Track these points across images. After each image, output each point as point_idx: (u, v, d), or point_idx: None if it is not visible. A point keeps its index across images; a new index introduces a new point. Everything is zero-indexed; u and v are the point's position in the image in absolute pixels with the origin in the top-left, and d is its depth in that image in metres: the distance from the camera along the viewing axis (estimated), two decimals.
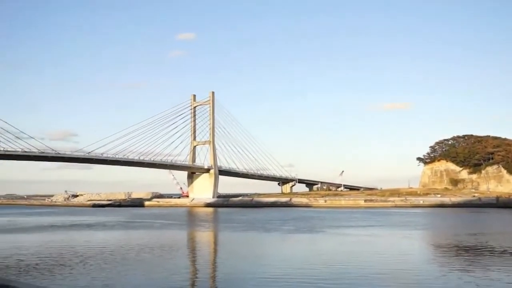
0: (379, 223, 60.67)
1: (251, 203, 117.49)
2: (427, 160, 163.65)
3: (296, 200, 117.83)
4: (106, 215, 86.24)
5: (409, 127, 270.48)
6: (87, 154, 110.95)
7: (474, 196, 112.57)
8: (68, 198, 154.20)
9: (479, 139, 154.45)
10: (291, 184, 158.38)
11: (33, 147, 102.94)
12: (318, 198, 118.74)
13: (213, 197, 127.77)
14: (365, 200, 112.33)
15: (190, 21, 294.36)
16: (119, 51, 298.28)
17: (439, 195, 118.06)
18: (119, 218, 76.66)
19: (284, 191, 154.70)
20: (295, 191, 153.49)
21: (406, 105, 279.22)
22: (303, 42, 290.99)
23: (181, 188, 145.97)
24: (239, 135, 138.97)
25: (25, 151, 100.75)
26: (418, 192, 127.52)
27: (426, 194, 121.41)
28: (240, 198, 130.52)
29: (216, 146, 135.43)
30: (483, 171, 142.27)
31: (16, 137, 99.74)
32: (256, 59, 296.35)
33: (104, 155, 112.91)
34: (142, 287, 22.21)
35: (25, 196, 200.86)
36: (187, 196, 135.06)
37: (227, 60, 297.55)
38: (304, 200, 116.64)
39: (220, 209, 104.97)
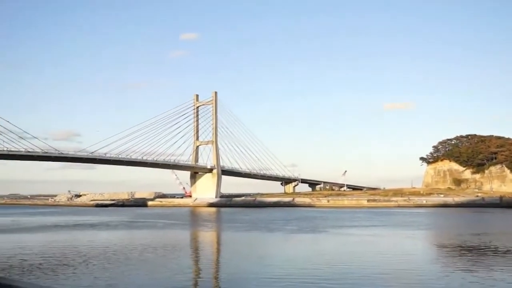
0: (382, 223, 60.61)
1: (254, 203, 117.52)
2: (430, 160, 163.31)
3: (299, 200, 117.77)
4: (109, 215, 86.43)
5: (411, 127, 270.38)
6: (90, 154, 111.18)
7: (477, 196, 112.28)
8: (71, 198, 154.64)
9: (483, 139, 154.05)
10: (293, 184, 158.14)
11: (37, 147, 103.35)
12: (321, 198, 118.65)
13: (216, 197, 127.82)
14: (368, 200, 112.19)
15: (192, 21, 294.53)
16: (122, 51, 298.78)
17: (442, 195, 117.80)
18: (122, 218, 76.83)
19: (287, 191, 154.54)
20: (297, 191, 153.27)
21: (406, 105, 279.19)
22: (304, 42, 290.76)
23: (184, 188, 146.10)
24: (241, 135, 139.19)
25: (29, 151, 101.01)
26: (421, 192, 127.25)
27: (429, 194, 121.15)
28: (243, 198, 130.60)
29: (219, 146, 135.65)
30: (486, 171, 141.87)
31: (20, 137, 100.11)
32: (257, 59, 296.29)
33: (107, 155, 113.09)
34: (145, 287, 22.25)
35: (29, 196, 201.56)
36: (190, 196, 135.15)
37: (229, 60, 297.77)
38: (307, 200, 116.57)
39: (223, 209, 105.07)
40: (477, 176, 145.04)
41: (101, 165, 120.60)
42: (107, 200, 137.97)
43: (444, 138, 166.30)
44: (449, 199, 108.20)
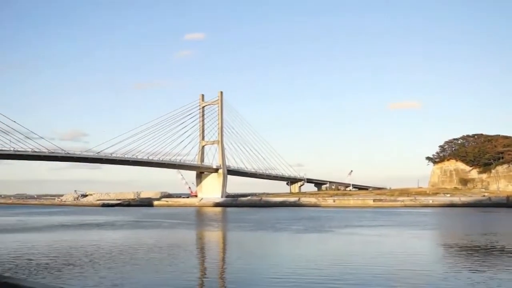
0: (388, 223, 60.41)
1: (259, 203, 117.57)
2: (436, 159, 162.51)
3: (304, 199, 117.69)
4: (115, 214, 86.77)
5: (417, 126, 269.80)
6: (96, 154, 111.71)
7: (484, 196, 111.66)
8: (77, 198, 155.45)
9: (489, 138, 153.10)
10: (299, 183, 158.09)
11: (43, 147, 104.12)
12: (326, 198, 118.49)
13: (221, 197, 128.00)
14: (374, 200, 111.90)
15: (198, 21, 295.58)
16: (128, 51, 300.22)
17: (448, 195, 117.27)
18: (128, 217, 77.11)
19: (293, 190, 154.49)
20: (303, 191, 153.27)
21: (412, 105, 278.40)
22: (310, 42, 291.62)
23: (189, 187, 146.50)
24: (247, 134, 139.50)
25: (35, 151, 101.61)
26: (428, 192, 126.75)
27: (436, 194, 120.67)
28: (249, 197, 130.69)
29: (225, 145, 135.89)
30: (493, 171, 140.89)
31: (26, 137, 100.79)
32: (264, 59, 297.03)
33: (113, 155, 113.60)
34: (151, 286, 22.26)
35: (35, 196, 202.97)
36: (196, 196, 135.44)
37: (235, 60, 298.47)
38: (312, 200, 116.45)
39: (228, 209, 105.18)
40: (484, 175, 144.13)
41: (107, 165, 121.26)
42: (113, 200, 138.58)
43: (451, 137, 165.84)
44: (456, 199, 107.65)
